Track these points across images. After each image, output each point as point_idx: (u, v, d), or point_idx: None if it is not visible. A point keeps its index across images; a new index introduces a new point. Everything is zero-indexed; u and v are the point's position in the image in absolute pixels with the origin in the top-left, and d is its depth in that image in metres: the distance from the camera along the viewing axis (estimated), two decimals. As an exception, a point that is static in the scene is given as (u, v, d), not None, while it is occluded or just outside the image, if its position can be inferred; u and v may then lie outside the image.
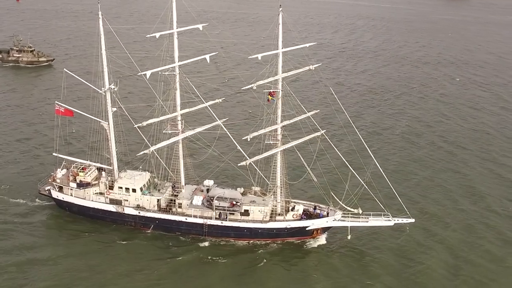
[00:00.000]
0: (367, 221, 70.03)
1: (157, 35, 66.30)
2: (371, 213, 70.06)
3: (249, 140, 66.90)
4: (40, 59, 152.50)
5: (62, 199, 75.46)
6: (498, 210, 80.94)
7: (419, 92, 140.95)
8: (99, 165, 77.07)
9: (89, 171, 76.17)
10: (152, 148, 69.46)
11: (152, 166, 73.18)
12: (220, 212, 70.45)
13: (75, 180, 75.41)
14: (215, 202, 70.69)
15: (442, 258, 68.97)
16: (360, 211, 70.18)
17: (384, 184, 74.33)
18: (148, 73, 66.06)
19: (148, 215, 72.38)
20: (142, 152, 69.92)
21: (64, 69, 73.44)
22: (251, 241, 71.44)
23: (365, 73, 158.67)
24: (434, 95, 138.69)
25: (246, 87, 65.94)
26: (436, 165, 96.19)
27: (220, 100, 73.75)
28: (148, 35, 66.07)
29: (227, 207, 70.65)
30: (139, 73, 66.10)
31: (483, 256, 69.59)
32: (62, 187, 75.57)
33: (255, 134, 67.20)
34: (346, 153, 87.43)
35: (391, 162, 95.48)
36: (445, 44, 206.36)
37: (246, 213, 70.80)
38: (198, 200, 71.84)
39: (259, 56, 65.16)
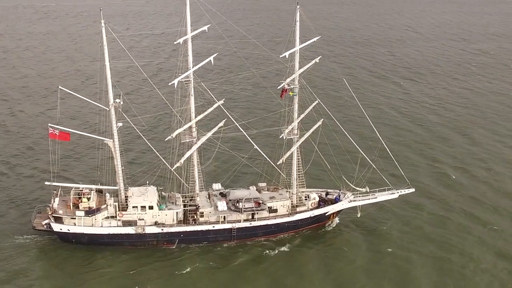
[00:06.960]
0: (376, 198, 76.01)
1: (181, 40, 62.42)
2: (376, 189, 76.26)
3: (285, 138, 67.63)
4: None
5: (67, 231, 67.15)
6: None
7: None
8: (95, 186, 70.06)
9: (90, 195, 68.82)
10: (182, 160, 65.97)
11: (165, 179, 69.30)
12: (248, 214, 70.15)
13: (78, 208, 67.56)
14: (243, 204, 69.98)
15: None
16: (368, 189, 75.81)
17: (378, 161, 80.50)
18: (176, 81, 62.29)
19: (173, 230, 68.64)
20: (176, 166, 65.96)
21: (59, 86, 64.01)
22: (278, 236, 72.56)
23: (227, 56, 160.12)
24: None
25: (280, 86, 66.30)
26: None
27: (222, 101, 72.10)
28: (175, 42, 61.55)
29: (255, 207, 70.52)
30: (170, 83, 61.75)
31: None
32: (60, 217, 67.16)
33: (287, 131, 68.08)
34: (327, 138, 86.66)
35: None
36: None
37: (271, 209, 71.53)
38: (223, 205, 70.27)
39: (287, 54, 65.81)
